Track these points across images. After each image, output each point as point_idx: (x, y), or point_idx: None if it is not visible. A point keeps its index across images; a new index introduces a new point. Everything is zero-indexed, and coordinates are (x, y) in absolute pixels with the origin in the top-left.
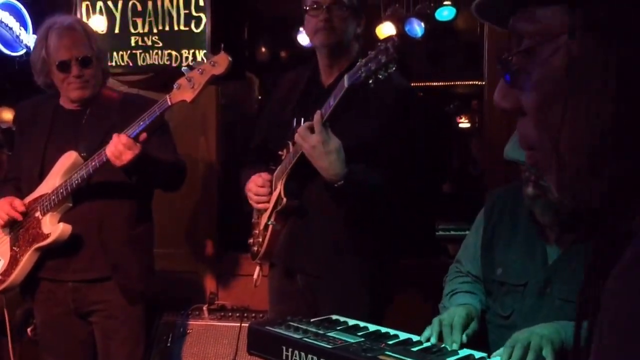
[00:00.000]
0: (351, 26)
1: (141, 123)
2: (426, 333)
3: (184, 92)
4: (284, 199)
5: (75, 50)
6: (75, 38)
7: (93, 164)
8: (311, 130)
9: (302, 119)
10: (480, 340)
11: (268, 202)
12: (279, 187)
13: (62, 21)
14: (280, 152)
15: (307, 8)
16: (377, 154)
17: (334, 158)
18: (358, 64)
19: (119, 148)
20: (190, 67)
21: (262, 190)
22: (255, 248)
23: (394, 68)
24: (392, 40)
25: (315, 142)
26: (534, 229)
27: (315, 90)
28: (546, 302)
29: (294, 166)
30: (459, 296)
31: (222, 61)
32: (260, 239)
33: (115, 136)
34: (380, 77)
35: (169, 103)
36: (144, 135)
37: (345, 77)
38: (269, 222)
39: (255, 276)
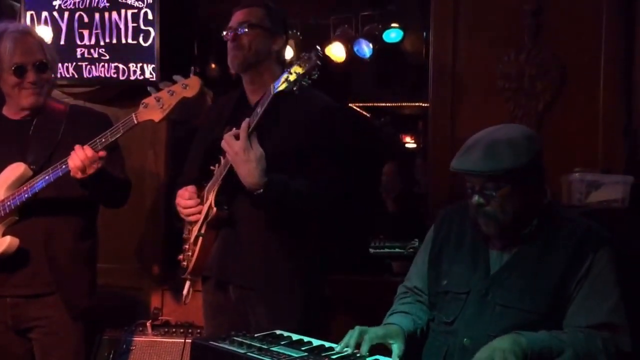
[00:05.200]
0: (263, 45)
1: (103, 140)
2: (344, 340)
3: (151, 112)
4: (214, 209)
5: (32, 56)
6: (31, 43)
7: (48, 177)
8: (236, 137)
9: None
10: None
11: (198, 214)
12: (210, 198)
13: (16, 27)
14: (212, 167)
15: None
16: (300, 166)
17: (253, 167)
18: (283, 73)
19: (85, 162)
20: (156, 88)
21: (188, 202)
22: (185, 263)
23: (316, 75)
24: (315, 50)
25: (237, 149)
26: (479, 240)
27: (243, 108)
28: (487, 308)
29: (225, 176)
30: (393, 317)
31: (194, 84)
32: (190, 253)
33: (78, 148)
34: (305, 84)
35: (135, 122)
36: (103, 152)
37: (272, 86)
38: (199, 234)
39: (184, 292)
